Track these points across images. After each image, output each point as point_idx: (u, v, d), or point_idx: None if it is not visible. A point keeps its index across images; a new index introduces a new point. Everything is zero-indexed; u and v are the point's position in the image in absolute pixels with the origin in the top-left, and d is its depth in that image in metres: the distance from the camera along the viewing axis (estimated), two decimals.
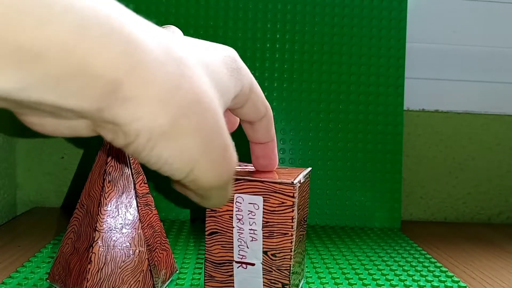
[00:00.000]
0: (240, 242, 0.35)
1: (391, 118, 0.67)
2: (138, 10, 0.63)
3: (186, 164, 0.23)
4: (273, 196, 0.34)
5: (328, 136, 0.66)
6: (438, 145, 0.74)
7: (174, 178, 0.24)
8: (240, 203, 0.34)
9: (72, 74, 0.18)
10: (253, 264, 0.35)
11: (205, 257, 0.36)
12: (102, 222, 0.35)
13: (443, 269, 0.49)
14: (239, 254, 0.35)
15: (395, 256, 0.53)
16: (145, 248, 0.36)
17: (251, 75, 0.30)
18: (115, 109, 0.20)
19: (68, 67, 0.18)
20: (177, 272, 0.43)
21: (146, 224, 0.37)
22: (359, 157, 0.66)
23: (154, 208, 0.38)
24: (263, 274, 0.35)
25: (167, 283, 0.40)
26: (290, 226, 0.34)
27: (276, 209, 0.34)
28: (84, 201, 0.37)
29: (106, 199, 0.36)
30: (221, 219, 0.35)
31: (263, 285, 0.35)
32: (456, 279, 0.46)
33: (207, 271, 0.36)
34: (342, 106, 0.66)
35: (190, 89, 0.22)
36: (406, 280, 0.45)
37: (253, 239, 0.34)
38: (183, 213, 0.65)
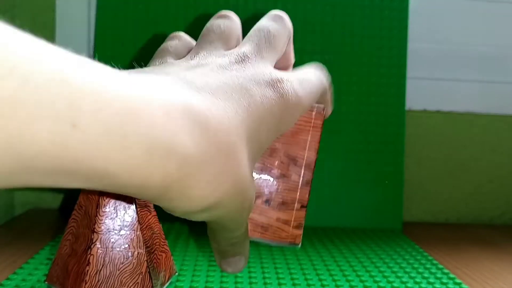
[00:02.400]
0: None
1: (393, 119, 0.66)
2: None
3: (238, 222, 0.28)
4: None
5: (328, 136, 0.65)
6: (440, 145, 0.73)
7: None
8: None
9: (136, 186, 0.22)
10: None
11: None
12: (100, 223, 0.35)
13: (445, 270, 0.49)
14: None
15: (397, 257, 0.53)
16: (144, 250, 0.36)
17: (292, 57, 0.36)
18: (164, 203, 0.25)
19: (132, 182, 0.22)
20: (177, 274, 0.42)
21: (145, 226, 0.37)
22: (360, 158, 0.66)
23: (153, 210, 0.38)
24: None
25: (166, 285, 0.39)
26: None
27: None
28: (82, 202, 0.37)
29: (104, 200, 0.35)
30: None
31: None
32: (458, 281, 0.46)
33: None
34: (343, 107, 0.66)
35: (232, 175, 0.25)
36: (407, 282, 0.45)
37: None
38: None
